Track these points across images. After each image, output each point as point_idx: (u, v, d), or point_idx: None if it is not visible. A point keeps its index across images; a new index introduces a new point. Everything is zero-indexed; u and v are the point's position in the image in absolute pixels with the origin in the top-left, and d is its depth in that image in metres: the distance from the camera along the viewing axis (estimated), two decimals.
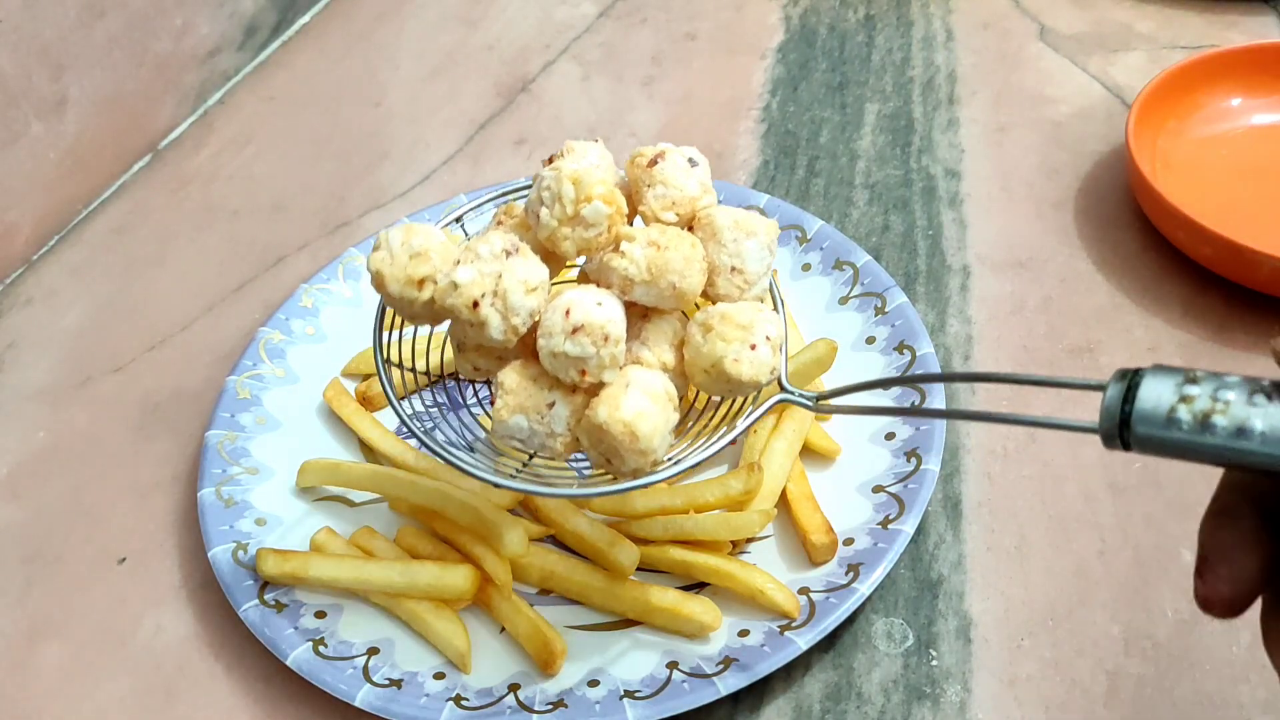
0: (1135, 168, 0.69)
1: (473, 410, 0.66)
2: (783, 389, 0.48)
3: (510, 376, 0.46)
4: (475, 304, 0.45)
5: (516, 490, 0.48)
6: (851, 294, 0.68)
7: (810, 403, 0.48)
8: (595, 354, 0.44)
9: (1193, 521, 0.57)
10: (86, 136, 0.83)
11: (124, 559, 0.62)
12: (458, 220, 0.55)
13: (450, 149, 0.86)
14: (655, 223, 0.49)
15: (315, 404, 0.67)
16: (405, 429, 0.49)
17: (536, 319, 0.46)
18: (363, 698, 0.51)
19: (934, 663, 0.53)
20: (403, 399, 0.65)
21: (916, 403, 0.61)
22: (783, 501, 0.58)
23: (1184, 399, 0.34)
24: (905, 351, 0.63)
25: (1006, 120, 0.82)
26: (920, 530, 0.58)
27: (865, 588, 0.53)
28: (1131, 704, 0.51)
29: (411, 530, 0.58)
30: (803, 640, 0.52)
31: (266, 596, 0.56)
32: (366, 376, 0.68)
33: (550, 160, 0.49)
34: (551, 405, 0.46)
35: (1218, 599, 0.34)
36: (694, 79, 0.90)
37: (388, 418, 0.66)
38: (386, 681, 0.52)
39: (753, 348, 0.45)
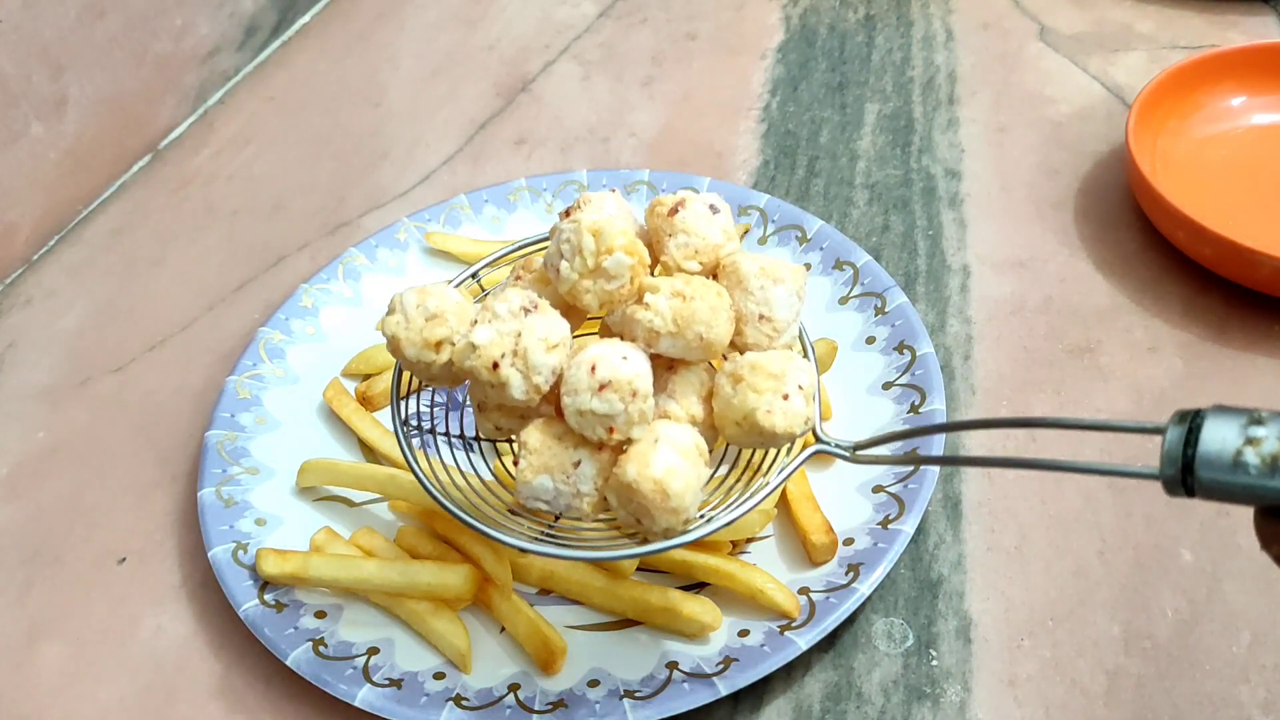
0: (1135, 168, 0.69)
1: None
2: (818, 439, 0.47)
3: (534, 436, 0.45)
4: (495, 365, 0.44)
5: (545, 555, 0.47)
6: (851, 294, 0.68)
7: (847, 454, 0.47)
8: (623, 410, 0.43)
9: (1193, 521, 0.57)
10: (86, 136, 0.83)
11: (124, 559, 0.62)
12: (474, 276, 0.54)
13: (450, 149, 0.86)
14: (679, 272, 0.48)
15: (315, 404, 0.66)
16: (432, 494, 0.49)
17: (559, 375, 0.45)
18: (363, 698, 0.51)
19: (934, 663, 0.53)
20: (403, 398, 0.66)
21: (917, 403, 0.61)
22: (783, 501, 0.58)
23: (1250, 441, 0.33)
24: (905, 351, 0.63)
25: (1006, 120, 0.82)
26: (920, 530, 0.58)
27: (865, 588, 0.53)
28: (1131, 704, 0.51)
29: (411, 530, 0.58)
30: (803, 640, 0.52)
31: (266, 596, 0.56)
32: (366, 376, 0.67)
33: (568, 213, 0.48)
34: (578, 464, 0.45)
35: None
36: (694, 79, 0.90)
37: (387, 417, 0.66)
38: (386, 681, 0.52)
39: (785, 398, 0.44)
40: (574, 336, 0.47)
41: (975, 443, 0.62)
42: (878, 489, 0.58)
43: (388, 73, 0.95)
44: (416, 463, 0.49)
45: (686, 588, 0.55)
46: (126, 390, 0.71)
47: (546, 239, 0.52)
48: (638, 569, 0.55)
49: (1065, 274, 0.70)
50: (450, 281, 0.52)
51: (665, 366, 0.47)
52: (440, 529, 0.58)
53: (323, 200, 0.83)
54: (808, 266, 0.70)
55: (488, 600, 0.55)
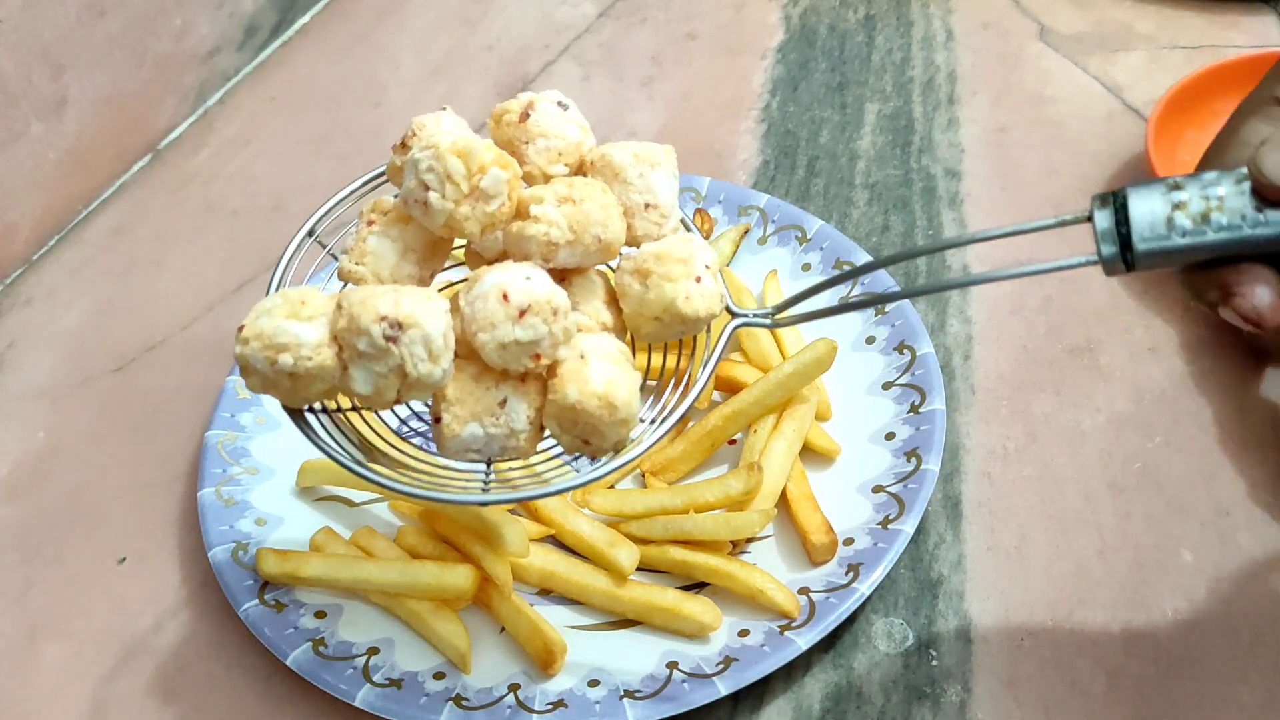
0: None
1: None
2: (734, 314, 0.46)
3: (451, 387, 0.42)
4: (396, 399, 0.41)
5: (498, 502, 0.44)
6: (851, 294, 0.68)
7: (767, 320, 0.46)
8: (547, 333, 0.40)
9: (1193, 521, 0.57)
10: (86, 136, 0.83)
11: (124, 559, 0.62)
12: (311, 234, 0.49)
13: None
14: (546, 179, 0.45)
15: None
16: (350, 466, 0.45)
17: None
18: (363, 698, 0.51)
19: (934, 663, 0.53)
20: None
21: (917, 403, 0.61)
22: (783, 501, 0.58)
23: (1177, 206, 0.35)
24: (905, 351, 0.63)
25: (1006, 120, 0.82)
26: (920, 530, 0.57)
27: (865, 588, 0.53)
28: (1131, 704, 0.51)
29: (411, 530, 0.58)
30: (803, 640, 0.52)
31: (266, 596, 0.56)
32: None
33: (403, 145, 0.45)
34: (503, 403, 0.42)
35: (1268, 307, 0.35)
36: (694, 79, 0.90)
37: (387, 415, 0.65)
38: (386, 681, 0.52)
39: (698, 280, 0.43)
40: (440, 271, 0.45)
41: (973, 424, 0.62)
42: (878, 489, 0.58)
43: (388, 73, 0.95)
44: (322, 441, 0.45)
45: (686, 588, 0.55)
46: (126, 390, 0.71)
47: (379, 176, 0.49)
48: (638, 569, 0.55)
49: (1065, 274, 0.70)
50: (287, 250, 0.48)
51: (557, 278, 0.44)
52: (440, 529, 0.58)
53: (322, 200, 0.83)
54: (807, 267, 0.70)
55: (488, 600, 0.55)
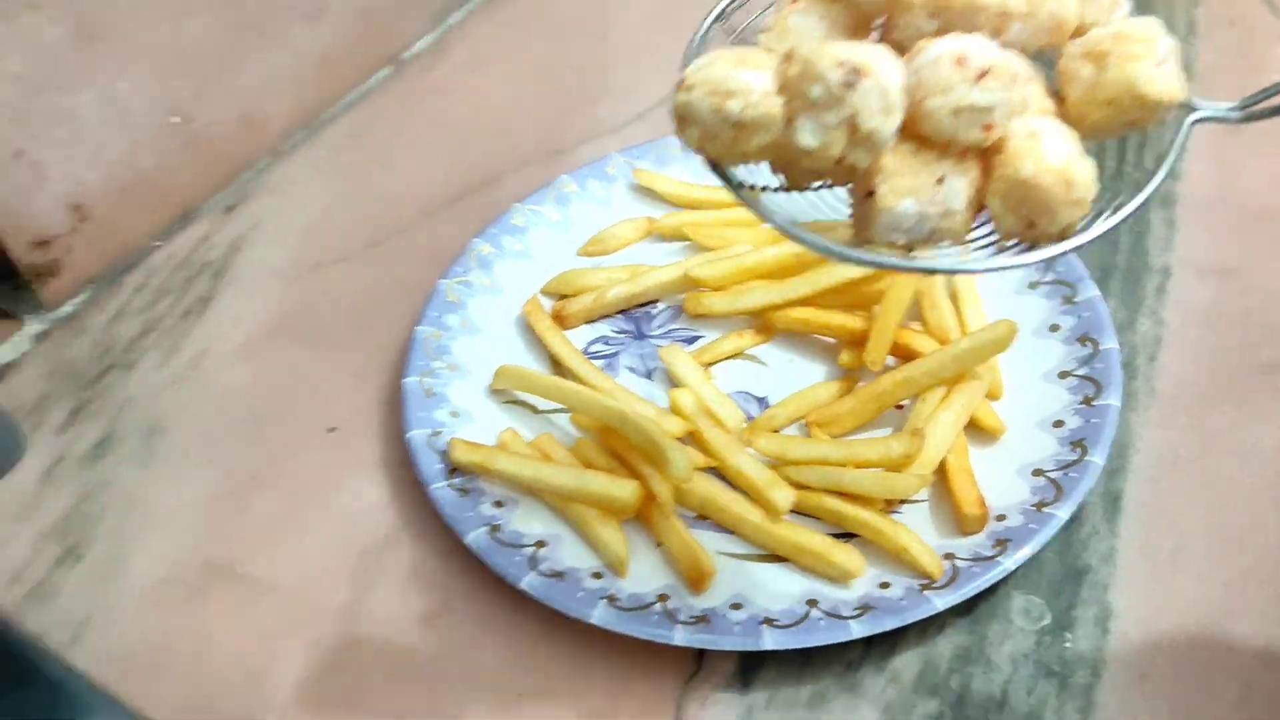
0: None
1: (657, 344, 0.70)
2: (1193, 108, 0.42)
3: (888, 157, 0.40)
4: (840, 160, 0.39)
5: (924, 269, 0.43)
6: (1043, 280, 0.68)
7: (1237, 113, 0.42)
8: (1005, 99, 0.38)
9: None
10: (339, 43, 0.90)
11: (334, 429, 0.69)
12: (720, 17, 0.48)
13: (665, 90, 0.89)
14: None
15: (514, 315, 0.72)
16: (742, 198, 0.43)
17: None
18: (528, 583, 0.56)
19: (1067, 644, 0.54)
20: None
21: (1091, 396, 0.61)
22: (940, 471, 0.59)
23: None
24: (1088, 344, 0.64)
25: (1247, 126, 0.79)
26: (1074, 519, 0.58)
27: (1010, 562, 0.54)
28: (1261, 718, 0.51)
29: (588, 443, 0.63)
30: (940, 601, 0.54)
31: (453, 480, 0.61)
32: (563, 296, 0.72)
33: None
34: (941, 180, 0.39)
35: None
36: None
37: (577, 336, 0.70)
38: (550, 573, 0.57)
39: (1160, 64, 0.40)
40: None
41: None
42: (1038, 472, 0.59)
43: (617, 8, 0.98)
44: (748, 196, 0.43)
45: (836, 535, 0.58)
46: (350, 280, 0.78)
47: None
48: (790, 512, 0.58)
49: (1273, 287, 0.68)
50: (698, 32, 0.47)
51: None
52: (614, 446, 0.62)
53: (543, 126, 0.88)
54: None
55: (649, 516, 0.59)
